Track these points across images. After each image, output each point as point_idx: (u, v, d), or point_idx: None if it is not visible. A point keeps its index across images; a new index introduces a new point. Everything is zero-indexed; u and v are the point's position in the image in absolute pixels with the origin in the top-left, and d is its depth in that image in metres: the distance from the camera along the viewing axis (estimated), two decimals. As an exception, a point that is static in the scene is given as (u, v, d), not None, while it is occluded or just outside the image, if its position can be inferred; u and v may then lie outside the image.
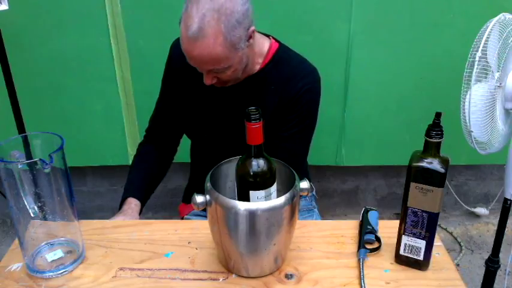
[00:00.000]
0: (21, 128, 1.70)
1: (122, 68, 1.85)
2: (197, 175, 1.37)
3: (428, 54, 1.82)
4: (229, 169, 0.94)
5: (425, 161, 0.82)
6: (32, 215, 0.87)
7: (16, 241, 0.97)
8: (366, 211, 1.04)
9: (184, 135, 1.35)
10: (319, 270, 0.92)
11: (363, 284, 0.87)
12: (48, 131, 0.87)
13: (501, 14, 1.20)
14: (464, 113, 1.21)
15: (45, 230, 0.93)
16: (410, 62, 1.84)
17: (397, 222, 0.91)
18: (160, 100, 1.31)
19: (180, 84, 1.23)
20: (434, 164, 0.81)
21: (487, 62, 1.17)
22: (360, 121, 1.95)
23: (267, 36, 1.21)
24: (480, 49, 1.15)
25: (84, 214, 1.00)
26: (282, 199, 0.83)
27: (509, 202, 1.37)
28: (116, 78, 1.86)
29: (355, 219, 1.06)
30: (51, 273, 0.90)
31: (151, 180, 1.31)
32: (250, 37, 1.05)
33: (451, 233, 2.24)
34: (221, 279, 0.90)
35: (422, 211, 0.85)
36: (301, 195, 0.87)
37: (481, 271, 1.54)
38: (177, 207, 1.46)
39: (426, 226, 0.86)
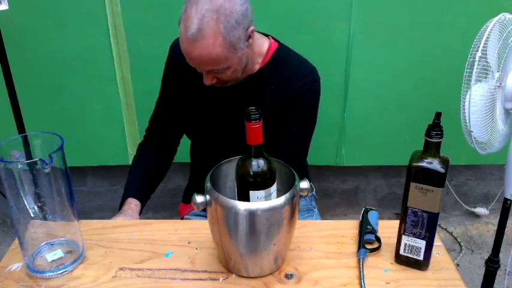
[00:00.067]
0: (21, 128, 1.70)
1: (122, 68, 1.85)
2: (197, 175, 1.37)
3: (428, 54, 1.82)
4: (229, 169, 0.94)
5: (425, 161, 0.82)
6: (32, 215, 0.87)
7: (16, 241, 0.97)
8: (366, 211, 1.04)
9: (184, 135, 1.35)
10: (319, 270, 0.92)
11: (363, 284, 0.87)
12: (48, 131, 0.87)
13: (501, 14, 1.20)
14: (464, 113, 1.21)
15: (45, 230, 0.93)
16: (410, 62, 1.84)
17: (397, 222, 0.91)
18: (160, 100, 1.31)
19: (180, 85, 1.23)
20: (434, 164, 0.81)
21: (487, 62, 1.17)
22: (360, 121, 1.95)
23: (267, 36, 1.21)
24: (480, 49, 1.15)
25: (84, 214, 1.00)
26: (282, 199, 0.83)
27: (509, 202, 1.36)
28: (116, 78, 1.86)
29: (355, 219, 1.06)
30: (51, 273, 0.90)
31: (151, 181, 1.31)
32: (250, 37, 1.05)
33: (451, 233, 2.24)
34: (221, 279, 0.90)
35: (422, 211, 0.85)
36: (301, 195, 0.87)
37: (481, 271, 1.54)
38: (177, 207, 1.46)
39: (426, 226, 0.86)
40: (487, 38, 1.15)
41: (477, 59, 1.16)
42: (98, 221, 1.07)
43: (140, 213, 1.19)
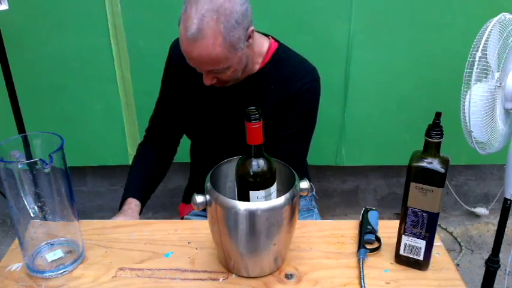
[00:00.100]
0: (21, 128, 1.70)
1: (122, 68, 1.85)
2: (197, 175, 1.37)
3: (428, 54, 1.82)
4: (229, 169, 0.94)
5: (425, 161, 0.82)
6: (32, 215, 0.87)
7: (16, 241, 0.97)
8: (366, 211, 1.04)
9: (184, 135, 1.35)
10: (319, 270, 0.92)
11: (363, 284, 0.87)
12: (48, 131, 0.87)
13: (501, 14, 1.20)
14: (464, 113, 1.21)
15: (45, 230, 0.93)
16: (410, 62, 1.84)
17: (397, 222, 0.91)
18: (160, 100, 1.31)
19: (179, 84, 1.23)
20: (434, 164, 0.81)
21: (487, 62, 1.17)
22: (360, 121, 1.95)
23: (267, 36, 1.21)
24: (480, 49, 1.15)
25: (84, 214, 1.00)
26: (282, 199, 0.83)
27: (509, 202, 1.36)
28: (116, 78, 1.86)
29: (355, 219, 1.06)
30: (51, 273, 0.90)
31: (151, 181, 1.31)
32: (250, 37, 1.05)
33: (451, 233, 2.24)
34: (221, 279, 0.90)
35: (422, 211, 0.85)
36: (301, 195, 0.87)
37: (481, 271, 1.54)
38: (177, 207, 1.46)
39: (426, 226, 0.86)
40: (487, 38, 1.15)
41: (477, 59, 1.16)
42: (98, 221, 1.07)
43: (140, 213, 1.19)
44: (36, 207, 0.86)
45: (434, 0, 1.73)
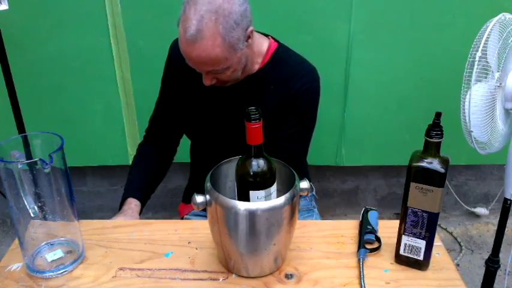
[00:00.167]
0: (21, 128, 1.71)
1: (122, 68, 1.85)
2: (197, 175, 1.37)
3: (428, 54, 1.82)
4: (229, 169, 0.94)
5: (425, 161, 0.82)
6: (32, 215, 0.87)
7: (16, 241, 0.97)
8: (366, 211, 1.04)
9: (184, 135, 1.35)
10: (319, 270, 0.92)
11: (363, 284, 0.87)
12: (48, 131, 0.87)
13: (501, 14, 1.20)
14: (464, 113, 1.21)
15: (45, 230, 0.93)
16: (410, 62, 1.84)
17: (397, 222, 0.91)
18: (160, 100, 1.31)
19: (179, 84, 1.23)
20: (434, 164, 0.81)
21: (487, 62, 1.17)
22: (360, 121, 1.95)
23: (266, 36, 1.21)
24: (480, 49, 1.15)
25: (84, 214, 1.00)
26: (282, 199, 0.83)
27: (509, 202, 1.36)
28: (116, 78, 1.86)
29: (355, 219, 1.06)
30: (51, 273, 0.90)
31: (151, 181, 1.31)
32: (249, 37, 1.05)
33: (451, 233, 2.24)
34: (221, 279, 0.90)
35: (422, 211, 0.85)
36: (301, 195, 0.87)
37: (481, 271, 1.54)
38: (177, 207, 1.46)
39: (426, 226, 0.86)
40: (487, 38, 1.15)
41: (477, 59, 1.16)
42: (98, 221, 1.07)
43: (140, 213, 1.19)
44: (36, 207, 0.86)
45: (434, 0, 1.73)
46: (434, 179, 0.82)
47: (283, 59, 1.18)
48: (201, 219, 1.19)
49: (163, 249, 0.97)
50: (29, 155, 0.87)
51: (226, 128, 1.22)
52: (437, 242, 0.95)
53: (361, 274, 0.89)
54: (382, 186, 2.31)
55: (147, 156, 1.32)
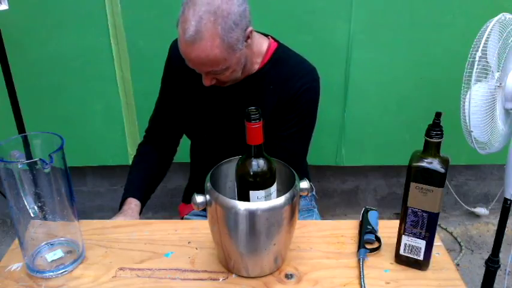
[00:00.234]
0: (21, 128, 1.71)
1: (122, 68, 1.85)
2: (197, 175, 1.37)
3: (428, 54, 1.82)
4: (229, 169, 0.94)
5: (425, 161, 0.82)
6: (32, 215, 0.87)
7: (16, 241, 0.97)
8: (366, 211, 1.04)
9: (184, 135, 1.35)
10: (319, 270, 0.92)
11: (363, 284, 0.87)
12: (48, 131, 0.87)
13: (501, 14, 1.20)
14: (464, 113, 1.21)
15: (45, 230, 0.93)
16: (410, 62, 1.84)
17: (397, 222, 0.91)
18: (160, 100, 1.31)
19: (179, 84, 1.23)
20: (434, 164, 0.81)
21: (487, 62, 1.17)
22: (360, 121, 1.95)
23: (266, 36, 1.21)
24: (480, 49, 1.15)
25: (84, 214, 1.00)
26: (282, 199, 0.83)
27: (509, 202, 1.36)
28: (116, 78, 1.86)
29: (355, 219, 1.06)
30: (51, 273, 0.90)
31: (151, 181, 1.31)
32: (248, 37, 1.05)
33: (451, 233, 2.24)
34: (221, 279, 0.90)
35: (422, 211, 0.85)
36: (301, 195, 0.87)
37: (481, 271, 1.54)
38: (177, 207, 1.46)
39: (426, 226, 0.86)
40: (487, 38, 1.15)
41: (477, 59, 1.16)
42: (98, 221, 1.07)
43: (140, 213, 1.19)
44: (36, 207, 0.86)
45: (434, 0, 1.73)
46: (434, 179, 0.82)
47: (283, 59, 1.18)
48: (201, 219, 1.19)
49: (163, 249, 0.97)
50: (29, 155, 0.87)
51: (226, 128, 1.22)
52: (437, 242, 0.95)
53: (361, 274, 0.89)
54: (382, 186, 2.31)
55: (147, 156, 1.32)
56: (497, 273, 1.50)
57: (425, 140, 0.82)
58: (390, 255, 0.94)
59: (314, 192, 1.48)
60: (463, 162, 2.09)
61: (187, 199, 1.39)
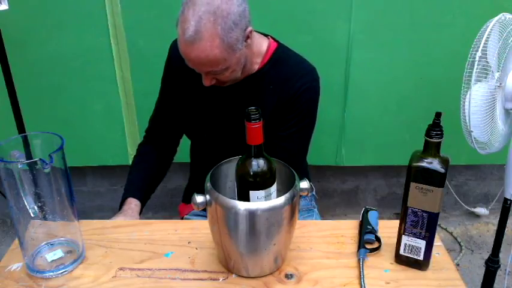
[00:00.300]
0: (21, 128, 1.71)
1: (122, 68, 1.85)
2: (197, 175, 1.37)
3: (428, 54, 1.82)
4: (229, 169, 0.94)
5: (425, 161, 0.82)
6: (32, 215, 0.87)
7: (16, 241, 0.97)
8: (366, 211, 1.04)
9: (184, 135, 1.35)
10: (319, 270, 0.92)
11: (363, 284, 0.87)
12: (48, 131, 0.87)
13: (501, 14, 1.20)
14: (464, 113, 1.21)
15: (45, 230, 0.93)
16: (410, 62, 1.84)
17: (397, 222, 0.91)
18: (160, 100, 1.31)
19: (179, 84, 1.23)
20: (434, 164, 0.81)
21: (487, 61, 1.17)
22: (360, 121, 1.95)
23: (266, 36, 1.21)
24: (480, 49, 1.15)
25: (84, 214, 1.00)
26: (282, 199, 0.83)
27: (509, 202, 1.36)
28: (116, 78, 1.86)
29: (355, 219, 1.06)
30: (51, 273, 0.90)
31: (151, 181, 1.31)
32: (248, 37, 1.05)
33: (451, 233, 2.24)
34: (221, 279, 0.90)
35: (422, 211, 0.85)
36: (301, 195, 0.87)
37: (481, 271, 1.54)
38: (177, 207, 1.46)
39: (426, 226, 0.86)
40: (487, 38, 1.15)
41: (477, 59, 1.16)
42: (98, 221, 1.07)
43: (140, 213, 1.19)
44: (36, 207, 0.86)
45: (434, 0, 1.73)
46: (434, 179, 0.82)
47: (282, 59, 1.18)
48: (201, 219, 1.19)
49: (163, 249, 0.97)
50: (29, 155, 0.87)
51: (226, 128, 1.22)
52: (437, 242, 0.95)
53: (361, 274, 0.89)
54: (382, 186, 2.31)
55: (147, 156, 1.32)
56: (497, 273, 1.50)
57: (425, 140, 0.82)
58: (390, 255, 0.94)
59: (314, 192, 1.48)
60: (463, 162, 2.09)
61: (187, 199, 1.39)
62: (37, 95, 1.88)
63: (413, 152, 0.85)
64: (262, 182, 0.85)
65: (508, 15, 1.20)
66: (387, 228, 1.00)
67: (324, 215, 1.73)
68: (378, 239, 0.98)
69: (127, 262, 0.94)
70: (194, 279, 0.90)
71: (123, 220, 1.12)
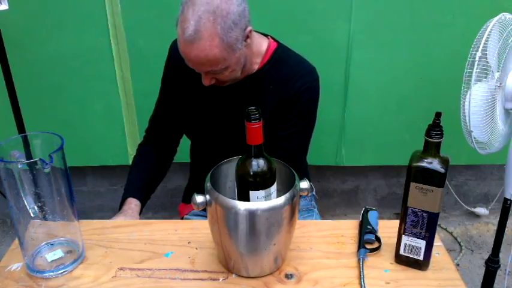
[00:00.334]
0: (21, 128, 1.71)
1: (122, 68, 1.85)
2: (197, 175, 1.37)
3: (428, 54, 1.82)
4: (229, 169, 0.94)
5: (425, 161, 0.82)
6: (32, 215, 0.87)
7: (16, 241, 0.97)
8: (366, 211, 1.04)
9: (184, 135, 1.35)
10: (319, 270, 0.92)
11: (363, 284, 0.87)
12: (48, 131, 0.87)
13: (501, 14, 1.20)
14: (464, 113, 1.21)
15: (45, 230, 0.93)
16: (410, 62, 1.84)
17: (397, 222, 0.91)
18: (160, 100, 1.31)
19: (179, 84, 1.23)
20: (434, 164, 0.81)
21: (487, 61, 1.17)
22: (360, 121, 1.95)
23: (266, 36, 1.21)
24: (480, 49, 1.15)
25: (84, 214, 1.00)
26: (282, 199, 0.83)
27: (509, 202, 1.36)
28: (116, 78, 1.86)
29: (355, 219, 1.06)
30: (51, 273, 0.90)
31: (152, 181, 1.31)
32: (247, 37, 1.05)
33: (451, 233, 2.24)
34: (221, 279, 0.90)
35: (422, 211, 0.85)
36: (301, 195, 0.87)
37: (481, 271, 1.54)
38: (177, 207, 1.46)
39: (426, 226, 0.86)
40: (487, 38, 1.15)
41: (477, 59, 1.16)
42: (98, 221, 1.07)
43: (140, 213, 1.19)
44: (36, 207, 0.86)
45: (434, 0, 1.73)
46: (434, 179, 0.82)
47: (282, 59, 1.18)
48: (201, 219, 1.20)
49: (163, 249, 0.97)
50: (29, 155, 0.87)
51: (226, 128, 1.22)
52: (437, 242, 0.95)
53: (361, 274, 0.89)
54: (382, 186, 2.31)
55: (147, 156, 1.32)
56: (497, 273, 1.50)
57: (425, 140, 0.82)
58: (390, 255, 0.94)
59: (314, 192, 1.48)
60: (463, 162, 2.09)
61: (187, 199, 1.39)
62: (37, 95, 1.88)
63: (413, 152, 0.85)
64: (262, 182, 0.85)
65: (508, 15, 1.20)
66: (387, 228, 1.00)
67: (324, 215, 1.73)
68: (378, 239, 0.98)
69: (127, 262, 0.94)
70: (194, 279, 0.90)
71: (123, 220, 1.12)
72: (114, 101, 1.91)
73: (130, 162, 1.36)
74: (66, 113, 1.93)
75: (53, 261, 0.91)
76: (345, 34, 1.78)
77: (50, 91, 1.89)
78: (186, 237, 1.01)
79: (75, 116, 1.94)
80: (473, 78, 1.17)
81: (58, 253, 0.93)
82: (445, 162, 0.82)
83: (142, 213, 1.21)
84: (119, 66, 1.85)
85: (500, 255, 1.47)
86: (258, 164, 0.84)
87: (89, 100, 1.91)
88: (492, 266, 1.47)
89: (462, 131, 1.24)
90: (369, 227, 1.00)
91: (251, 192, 0.85)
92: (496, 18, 1.18)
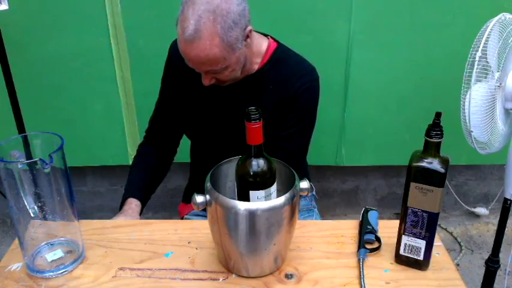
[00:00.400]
0: (21, 128, 1.70)
1: (122, 68, 1.85)
2: (197, 175, 1.37)
3: (428, 54, 1.82)
4: (229, 169, 0.94)
5: (425, 161, 0.82)
6: (32, 215, 0.87)
7: (16, 241, 0.97)
8: (366, 211, 1.04)
9: (184, 136, 1.35)
10: (319, 270, 0.92)
11: (363, 284, 0.87)
12: (48, 131, 0.87)
13: (501, 14, 1.20)
14: (464, 113, 1.21)
15: (45, 230, 0.93)
16: (410, 62, 1.84)
17: (397, 222, 0.91)
18: (159, 100, 1.31)
19: (179, 84, 1.23)
20: (434, 164, 0.81)
21: (487, 61, 1.17)
22: (360, 121, 1.96)
23: (266, 36, 1.21)
24: (480, 49, 1.15)
25: (84, 214, 1.00)
26: (282, 199, 0.83)
27: (509, 202, 1.36)
28: (116, 78, 1.86)
29: (355, 219, 1.06)
30: (51, 273, 0.90)
31: (152, 181, 1.31)
32: (247, 37, 1.05)
33: (451, 233, 2.24)
34: (221, 279, 0.90)
35: (422, 211, 0.85)
36: (301, 195, 0.87)
37: (481, 271, 1.54)
38: (177, 207, 1.46)
39: (426, 226, 0.86)
40: (487, 38, 1.15)
41: (477, 59, 1.16)
42: (98, 221, 1.07)
43: (140, 213, 1.19)
44: (36, 207, 0.86)
45: (434, 0, 1.73)
46: (434, 179, 0.82)
47: (282, 59, 1.18)
48: (201, 219, 1.20)
49: (163, 249, 0.97)
50: (29, 155, 0.87)
51: (226, 128, 1.22)
52: (437, 242, 0.95)
53: (361, 274, 0.89)
54: (382, 186, 2.31)
55: (147, 157, 1.32)
56: (497, 273, 1.50)
57: (425, 140, 0.82)
58: (390, 255, 0.94)
59: (314, 192, 1.48)
60: (463, 162, 2.09)
61: (187, 199, 1.39)
62: (37, 95, 1.88)
63: (413, 152, 0.85)
64: (262, 182, 0.85)
65: (508, 15, 1.20)
66: (387, 228, 1.00)
67: (324, 215, 1.73)
68: (378, 239, 0.98)
69: (127, 262, 0.94)
70: (194, 279, 0.90)
71: (123, 220, 1.12)
72: (114, 101, 1.91)
73: (130, 162, 1.36)
74: (66, 113, 1.93)
75: (53, 261, 0.91)
76: (345, 34, 1.78)
77: (50, 91, 1.89)
78: (186, 237, 1.01)
79: (75, 116, 1.94)
80: (473, 78, 1.17)
81: (58, 253, 0.93)
82: (445, 162, 0.82)
83: (143, 213, 1.21)
84: (119, 66, 1.85)
85: (500, 255, 1.47)
86: (258, 164, 0.84)
87: (89, 100, 1.91)
88: (492, 266, 1.47)
89: (462, 131, 1.24)
90: (369, 227, 1.00)
91: (251, 192, 0.85)
92: (496, 18, 1.18)
